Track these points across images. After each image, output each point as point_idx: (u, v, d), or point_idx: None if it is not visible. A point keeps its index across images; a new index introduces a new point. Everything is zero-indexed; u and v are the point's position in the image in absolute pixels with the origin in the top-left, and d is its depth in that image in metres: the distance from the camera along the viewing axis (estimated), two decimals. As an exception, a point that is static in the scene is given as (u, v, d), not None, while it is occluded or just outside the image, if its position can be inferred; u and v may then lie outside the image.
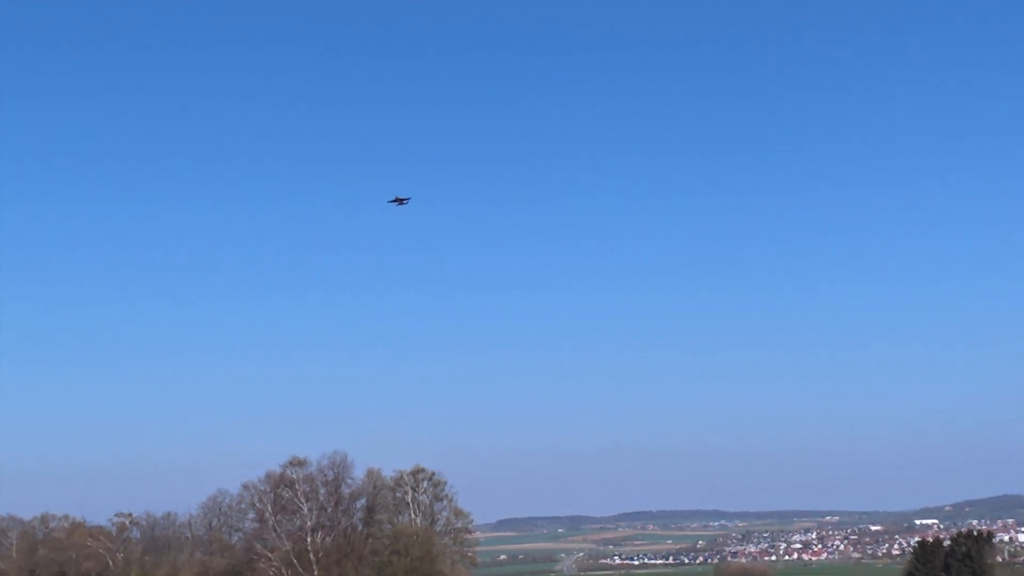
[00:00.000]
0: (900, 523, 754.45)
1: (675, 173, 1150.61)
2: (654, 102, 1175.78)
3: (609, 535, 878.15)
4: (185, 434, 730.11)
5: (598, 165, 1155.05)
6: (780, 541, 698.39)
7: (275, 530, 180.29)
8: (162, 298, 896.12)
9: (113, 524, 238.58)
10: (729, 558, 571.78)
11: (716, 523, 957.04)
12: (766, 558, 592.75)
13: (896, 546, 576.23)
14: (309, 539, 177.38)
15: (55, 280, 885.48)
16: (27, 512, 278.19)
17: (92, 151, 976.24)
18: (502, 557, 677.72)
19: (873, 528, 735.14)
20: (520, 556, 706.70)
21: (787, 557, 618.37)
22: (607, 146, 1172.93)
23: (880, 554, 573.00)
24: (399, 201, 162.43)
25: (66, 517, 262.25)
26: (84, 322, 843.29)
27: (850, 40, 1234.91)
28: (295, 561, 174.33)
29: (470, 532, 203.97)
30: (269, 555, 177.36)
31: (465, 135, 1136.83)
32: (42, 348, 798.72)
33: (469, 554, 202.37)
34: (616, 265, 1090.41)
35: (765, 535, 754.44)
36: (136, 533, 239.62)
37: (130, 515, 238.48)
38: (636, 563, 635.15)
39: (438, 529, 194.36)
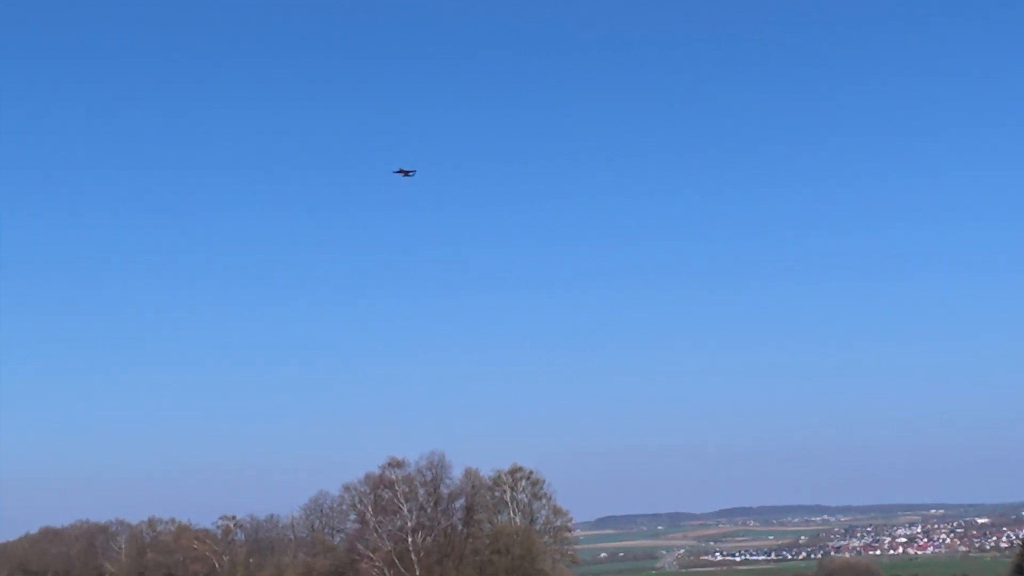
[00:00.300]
0: (1008, 515, 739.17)
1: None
2: (655, 102, 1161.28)
3: (709, 531, 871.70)
4: (285, 436, 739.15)
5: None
6: (884, 535, 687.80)
7: (376, 531, 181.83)
8: (258, 302, 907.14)
9: (218, 527, 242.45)
10: (832, 553, 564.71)
11: (818, 518, 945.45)
12: (870, 552, 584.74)
13: (1004, 539, 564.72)
14: (410, 539, 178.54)
15: (157, 284, 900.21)
16: (134, 516, 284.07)
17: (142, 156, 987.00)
18: (603, 555, 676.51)
19: (980, 521, 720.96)
20: (620, 554, 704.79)
21: (892, 551, 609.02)
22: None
23: (988, 547, 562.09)
24: (404, 173, 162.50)
25: (172, 520, 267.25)
26: (183, 326, 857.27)
27: (849, 38, 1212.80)
28: (397, 561, 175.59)
29: (570, 530, 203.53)
30: (371, 555, 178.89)
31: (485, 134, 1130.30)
32: (143, 353, 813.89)
33: (569, 552, 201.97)
34: (708, 262, 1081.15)
35: (868, 529, 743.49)
36: (241, 535, 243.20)
37: (234, 517, 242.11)
38: (738, 559, 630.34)
39: (537, 528, 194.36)
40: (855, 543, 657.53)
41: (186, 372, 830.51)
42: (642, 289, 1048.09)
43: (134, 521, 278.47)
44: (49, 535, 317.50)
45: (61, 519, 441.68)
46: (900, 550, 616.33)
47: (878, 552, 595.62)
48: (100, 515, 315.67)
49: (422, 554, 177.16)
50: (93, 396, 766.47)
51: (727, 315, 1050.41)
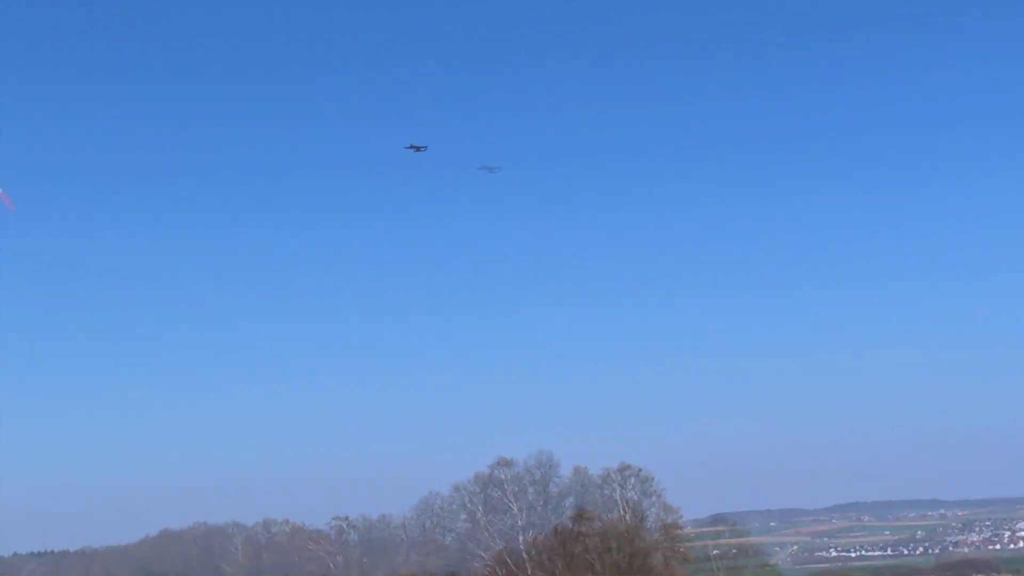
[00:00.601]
0: None
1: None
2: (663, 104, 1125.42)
3: (823, 527, 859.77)
4: (394, 436, 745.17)
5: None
6: (1004, 529, 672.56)
7: (487, 530, 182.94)
8: (370, 312, 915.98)
9: (331, 527, 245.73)
10: (951, 548, 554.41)
11: (934, 512, 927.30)
12: (990, 547, 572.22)
13: None
14: (521, 538, 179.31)
15: (276, 297, 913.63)
16: (250, 518, 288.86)
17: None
18: (715, 552, 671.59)
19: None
20: (733, 551, 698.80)
21: (1012, 546, 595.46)
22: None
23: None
24: (415, 148, 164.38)
25: (286, 522, 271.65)
26: (297, 336, 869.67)
27: (844, 42, 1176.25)
28: (508, 560, 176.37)
29: (680, 527, 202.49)
30: (483, 554, 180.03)
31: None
32: (255, 362, 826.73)
33: (681, 550, 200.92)
34: (820, 264, 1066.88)
35: (987, 523, 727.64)
36: (354, 536, 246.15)
37: (346, 518, 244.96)
38: (853, 555, 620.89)
39: (648, 525, 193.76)
40: (974, 537, 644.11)
41: (298, 378, 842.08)
42: (747, 293, 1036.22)
43: (250, 523, 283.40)
44: (169, 537, 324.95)
45: (180, 521, 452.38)
46: (1021, 544, 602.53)
47: (998, 547, 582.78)
48: (217, 517, 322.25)
49: (533, 552, 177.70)
50: (209, 402, 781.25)
51: (837, 316, 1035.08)
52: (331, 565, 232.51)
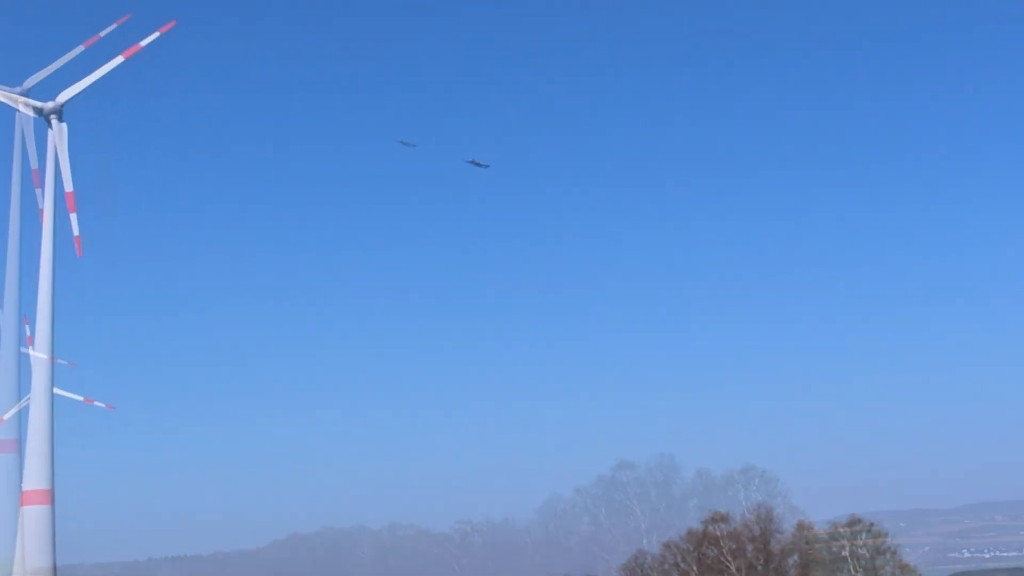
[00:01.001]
0: None
1: None
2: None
3: (954, 528, 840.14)
4: (515, 440, 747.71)
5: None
6: None
7: (611, 532, 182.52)
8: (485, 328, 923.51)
9: (456, 531, 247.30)
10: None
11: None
12: None
13: None
14: (644, 540, 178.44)
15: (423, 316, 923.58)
16: (375, 522, 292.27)
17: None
18: (844, 553, 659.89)
19: None
20: (864, 551, 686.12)
21: None
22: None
23: None
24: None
25: (411, 525, 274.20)
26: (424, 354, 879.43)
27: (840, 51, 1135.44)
28: (634, 563, 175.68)
29: (808, 528, 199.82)
30: (607, 557, 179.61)
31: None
32: (380, 389, 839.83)
33: (809, 551, 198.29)
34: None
35: None
36: (477, 539, 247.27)
37: (470, 522, 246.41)
38: (987, 556, 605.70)
39: (775, 528, 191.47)
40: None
41: (426, 396, 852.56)
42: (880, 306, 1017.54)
43: (376, 527, 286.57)
44: (297, 541, 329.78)
45: (308, 526, 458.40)
46: None
47: None
48: (343, 521, 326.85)
49: (659, 554, 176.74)
50: (338, 415, 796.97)
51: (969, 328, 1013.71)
52: (456, 568, 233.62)
